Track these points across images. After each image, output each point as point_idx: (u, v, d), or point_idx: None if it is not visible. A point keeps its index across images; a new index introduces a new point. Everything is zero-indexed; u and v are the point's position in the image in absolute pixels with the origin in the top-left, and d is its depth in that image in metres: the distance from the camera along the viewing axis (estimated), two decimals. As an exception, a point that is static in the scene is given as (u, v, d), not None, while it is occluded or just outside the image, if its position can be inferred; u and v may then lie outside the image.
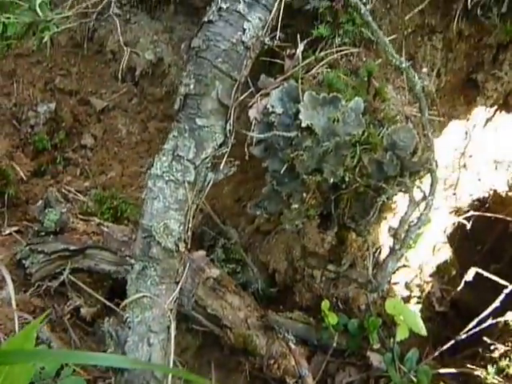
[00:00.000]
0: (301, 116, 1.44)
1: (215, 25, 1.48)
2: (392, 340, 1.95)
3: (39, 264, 1.88)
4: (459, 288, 2.43)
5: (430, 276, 2.59)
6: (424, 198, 1.52)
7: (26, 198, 2.18)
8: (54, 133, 2.34)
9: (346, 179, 1.47)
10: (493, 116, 2.05)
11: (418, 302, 2.46)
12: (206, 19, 1.49)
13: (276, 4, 1.51)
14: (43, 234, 1.92)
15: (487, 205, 2.48)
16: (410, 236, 1.53)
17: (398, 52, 1.56)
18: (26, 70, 2.46)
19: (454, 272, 2.68)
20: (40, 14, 2.06)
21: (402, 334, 1.81)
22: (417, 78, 1.44)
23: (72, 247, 1.91)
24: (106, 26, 2.54)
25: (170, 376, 1.38)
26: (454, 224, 2.54)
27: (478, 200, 2.45)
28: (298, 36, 1.61)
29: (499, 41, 1.71)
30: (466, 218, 2.44)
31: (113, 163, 2.43)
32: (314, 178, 1.48)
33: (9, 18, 2.19)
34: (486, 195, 2.42)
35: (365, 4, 1.47)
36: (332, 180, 1.47)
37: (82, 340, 1.83)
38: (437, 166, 1.57)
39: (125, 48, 2.19)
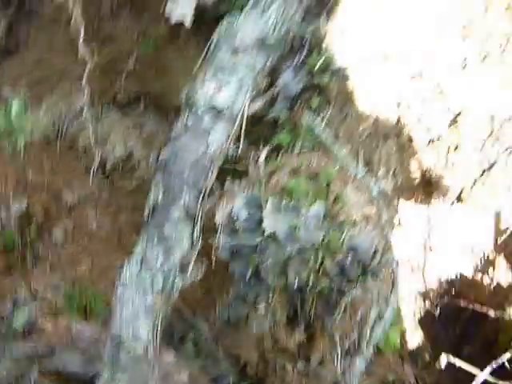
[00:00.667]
0: (264, 224, 1.50)
1: (181, 140, 1.56)
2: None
3: (7, 368, 1.85)
4: (435, 375, 2.44)
5: (404, 362, 2.60)
6: (386, 298, 1.58)
7: (-6, 297, 2.16)
8: (25, 230, 2.35)
9: (310, 282, 1.52)
10: (451, 207, 2.14)
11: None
12: (173, 134, 1.57)
13: (239, 116, 1.60)
14: (11, 335, 1.90)
15: (456, 288, 2.54)
16: (375, 335, 1.57)
17: (354, 156, 1.66)
18: (0, 167, 2.50)
19: (427, 357, 2.69)
20: (14, 121, 2.13)
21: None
22: (373, 184, 1.52)
23: (40, 349, 1.89)
24: (77, 123, 2.63)
25: None
26: (423, 308, 2.58)
27: (447, 283, 2.50)
28: (261, 143, 1.71)
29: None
30: (435, 303, 2.48)
31: (83, 257, 2.44)
32: (279, 281, 1.53)
33: (-16, 122, 2.26)
34: (454, 278, 2.48)
35: (319, 113, 1.58)
36: (296, 283, 1.52)
37: None
38: (397, 265, 1.64)
39: (95, 147, 2.26)
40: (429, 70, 1.71)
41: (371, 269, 1.53)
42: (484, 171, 1.88)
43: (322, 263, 1.52)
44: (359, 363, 1.59)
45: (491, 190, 1.98)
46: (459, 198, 2.02)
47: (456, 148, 1.84)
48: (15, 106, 2.21)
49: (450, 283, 2.48)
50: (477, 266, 2.44)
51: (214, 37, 1.64)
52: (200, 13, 1.82)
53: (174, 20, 1.81)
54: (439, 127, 1.78)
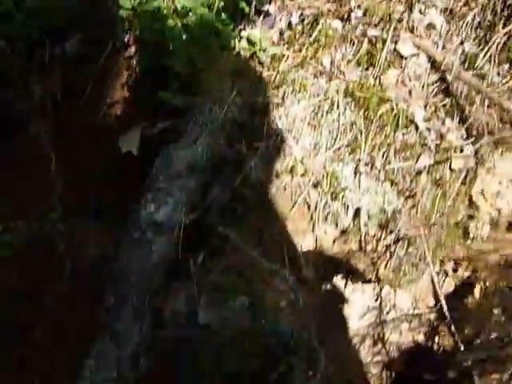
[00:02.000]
0: (199, 316, 1.82)
1: (128, 250, 1.91)
2: None
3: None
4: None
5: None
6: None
7: None
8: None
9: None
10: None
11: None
12: (121, 247, 1.92)
13: (177, 228, 1.96)
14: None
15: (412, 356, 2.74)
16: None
17: (280, 253, 1.99)
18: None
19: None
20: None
21: None
22: (288, 275, 1.85)
23: None
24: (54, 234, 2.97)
25: None
26: (389, 377, 2.76)
27: (406, 351, 2.71)
28: (200, 246, 2.05)
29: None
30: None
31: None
32: (216, 366, 1.82)
33: None
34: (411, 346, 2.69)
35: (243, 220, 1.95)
36: (231, 367, 1.81)
37: None
38: (320, 347, 1.91)
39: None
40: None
41: (293, 349, 1.82)
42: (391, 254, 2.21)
43: (251, 346, 1.81)
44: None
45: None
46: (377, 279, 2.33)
47: (365, 235, 2.17)
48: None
49: (408, 351, 2.69)
50: (426, 333, 2.64)
51: (154, 165, 2.03)
52: (145, 143, 2.21)
53: (124, 150, 2.19)
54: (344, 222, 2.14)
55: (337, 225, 2.14)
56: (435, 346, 2.74)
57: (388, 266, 2.26)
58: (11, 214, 2.63)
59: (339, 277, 2.18)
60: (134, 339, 1.86)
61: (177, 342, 1.89)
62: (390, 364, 2.68)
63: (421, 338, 2.70)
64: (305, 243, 2.13)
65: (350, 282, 2.43)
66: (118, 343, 1.84)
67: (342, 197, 2.09)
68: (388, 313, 2.60)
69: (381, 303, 2.51)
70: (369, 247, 2.22)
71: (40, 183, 2.90)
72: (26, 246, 2.90)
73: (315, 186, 2.09)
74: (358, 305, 2.51)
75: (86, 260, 2.97)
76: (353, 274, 2.19)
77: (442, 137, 2.21)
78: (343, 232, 2.19)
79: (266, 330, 1.82)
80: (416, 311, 2.65)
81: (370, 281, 2.34)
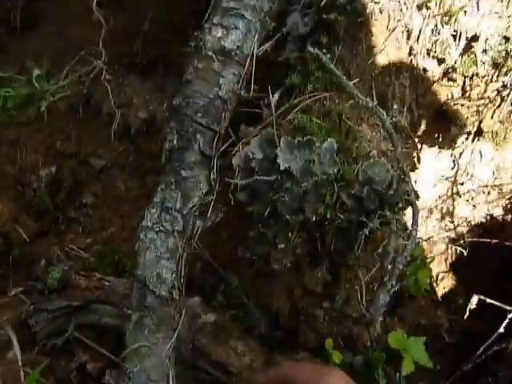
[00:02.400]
0: (279, 160, 1.52)
1: (193, 83, 1.58)
2: (398, 375, 1.95)
3: (43, 322, 1.94)
4: (465, 317, 2.43)
5: (437, 306, 2.60)
6: (407, 228, 1.58)
7: (30, 259, 2.25)
8: (56, 194, 2.43)
9: (328, 216, 1.54)
10: (472, 142, 2.11)
11: (426, 334, 2.46)
12: (184, 79, 1.60)
13: (248, 59, 1.61)
14: (47, 292, 1.98)
15: (485, 230, 2.51)
16: (397, 267, 1.58)
17: (368, 92, 1.65)
18: (28, 138, 2.59)
19: (460, 301, 2.68)
20: (36, 86, 2.20)
21: (407, 368, 1.82)
22: (385, 115, 1.52)
23: (75, 303, 1.97)
24: (100, 90, 2.67)
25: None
26: (455, 252, 2.56)
27: (477, 226, 2.48)
28: (273, 86, 1.71)
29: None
30: (466, 245, 2.47)
31: (113, 219, 2.51)
32: (296, 217, 1.54)
33: (8, 91, 2.33)
34: (484, 221, 2.45)
35: (325, 53, 1.58)
36: (314, 218, 1.53)
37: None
38: (417, 196, 1.63)
39: (117, 111, 2.31)
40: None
41: (388, 200, 1.53)
42: (502, 100, 1.84)
43: (338, 197, 1.52)
44: (382, 297, 1.59)
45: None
46: (479, 132, 1.99)
47: (472, 77, 1.80)
48: (38, 75, 2.27)
49: (480, 226, 2.46)
50: (506, 206, 2.40)
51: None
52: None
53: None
54: (452, 56, 1.75)
55: (441, 61, 1.76)
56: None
57: (495, 115, 1.89)
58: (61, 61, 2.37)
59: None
60: (201, 187, 1.59)
61: (250, 190, 1.60)
62: (458, 239, 2.45)
63: (498, 211, 2.43)
64: (397, 83, 1.77)
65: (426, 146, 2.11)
66: (183, 191, 1.57)
67: (455, 21, 1.68)
68: (463, 184, 2.30)
69: (457, 172, 2.19)
70: (475, 92, 1.84)
71: (86, 31, 2.60)
72: (70, 106, 2.68)
73: (420, 7, 1.68)
74: (431, 174, 2.21)
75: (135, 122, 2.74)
76: (455, 124, 1.84)
77: None
78: (446, 73, 1.81)
79: (359, 178, 1.51)
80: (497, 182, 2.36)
81: (468, 134, 2.00)
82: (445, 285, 2.69)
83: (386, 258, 1.53)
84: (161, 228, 1.55)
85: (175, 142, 1.57)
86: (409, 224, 1.63)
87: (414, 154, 1.86)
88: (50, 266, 2.02)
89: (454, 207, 2.40)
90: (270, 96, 1.68)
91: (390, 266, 1.57)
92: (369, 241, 1.64)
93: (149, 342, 1.54)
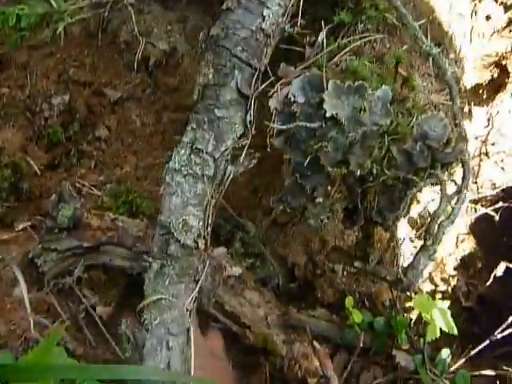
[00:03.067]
0: (325, 105, 1.36)
1: (234, 12, 1.41)
2: (422, 340, 1.87)
3: (52, 262, 1.83)
4: (488, 283, 2.35)
5: (455, 269, 2.51)
6: (457, 191, 1.44)
7: (40, 192, 2.12)
8: (68, 125, 2.28)
9: (374, 171, 1.40)
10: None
11: (443, 298, 2.38)
12: (224, 7, 1.42)
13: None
14: (56, 230, 1.86)
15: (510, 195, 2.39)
16: (442, 231, 1.45)
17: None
18: (40, 62, 2.41)
19: (479, 265, 2.60)
20: (54, 4, 2.00)
21: (432, 334, 1.73)
22: (447, 64, 1.35)
23: (86, 244, 1.86)
24: (119, 16, 2.47)
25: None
26: (476, 215, 2.45)
27: (502, 190, 2.36)
28: (321, 23, 1.53)
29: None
30: (488, 209, 2.35)
31: (127, 155, 2.37)
32: (339, 170, 1.40)
33: (23, 9, 2.13)
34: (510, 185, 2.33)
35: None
36: (359, 172, 1.40)
37: (98, 339, 1.77)
38: (469, 157, 1.49)
39: (140, 38, 2.12)
40: None
41: (442, 159, 1.38)
42: None
43: (387, 151, 1.38)
44: (422, 262, 1.48)
45: None
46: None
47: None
48: (54, -4, 2.07)
49: (506, 190, 2.34)
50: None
51: None
52: None
53: None
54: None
55: (508, 8, 1.57)
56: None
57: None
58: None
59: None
60: (235, 129, 1.44)
61: (287, 137, 1.46)
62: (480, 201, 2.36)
63: None
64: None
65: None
66: (216, 133, 1.43)
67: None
68: (494, 144, 2.16)
69: (490, 131, 2.05)
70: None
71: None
72: (86, 31, 2.49)
73: None
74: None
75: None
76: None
77: None
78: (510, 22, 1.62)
79: (414, 131, 1.36)
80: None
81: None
82: (464, 247, 2.59)
83: (433, 221, 1.39)
84: (189, 171, 1.42)
85: (211, 76, 1.41)
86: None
87: (466, 109, 1.70)
88: (60, 202, 1.89)
89: (479, 167, 2.27)
90: (317, 33, 1.50)
91: (435, 230, 1.45)
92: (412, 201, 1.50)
93: (169, 292, 1.43)
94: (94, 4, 2.33)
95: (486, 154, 2.24)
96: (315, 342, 1.84)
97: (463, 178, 1.46)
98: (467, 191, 1.45)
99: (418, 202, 1.83)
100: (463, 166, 1.45)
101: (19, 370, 0.71)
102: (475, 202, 2.40)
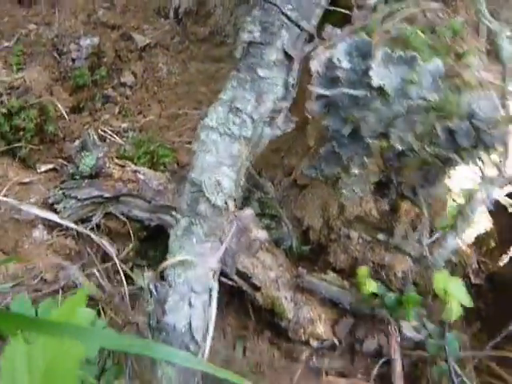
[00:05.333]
0: (372, 74, 1.31)
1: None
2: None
3: (71, 209, 1.81)
4: (503, 263, 2.34)
5: (468, 246, 2.50)
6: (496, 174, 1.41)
7: (63, 135, 2.09)
8: (95, 68, 2.22)
9: (415, 147, 1.36)
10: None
11: (452, 273, 2.38)
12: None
13: None
14: (77, 177, 1.84)
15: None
16: (474, 213, 1.43)
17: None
18: (69, 0, 2.34)
19: (493, 244, 2.59)
20: None
21: (454, 313, 1.71)
22: (506, 41, 1.30)
23: (106, 194, 1.83)
24: (152, -41, 2.40)
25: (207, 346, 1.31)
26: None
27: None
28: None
29: None
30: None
31: (151, 103, 2.32)
32: (379, 142, 1.37)
33: None
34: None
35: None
36: (399, 146, 1.36)
37: (120, 286, 1.77)
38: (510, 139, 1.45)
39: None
40: None
41: (487, 140, 1.34)
42: None
43: (431, 128, 1.34)
44: (449, 241, 1.46)
45: None
46: None
47: None
48: None
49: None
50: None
51: None
52: None
53: None
54: None
55: None
56: None
57: None
58: None
59: None
60: (276, 91, 1.39)
61: (327, 102, 1.41)
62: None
63: None
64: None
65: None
66: (257, 93, 1.38)
67: None
68: None
69: None
70: None
71: None
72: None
73: None
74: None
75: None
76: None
77: None
78: None
79: (461, 110, 1.31)
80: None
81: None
82: (479, 226, 2.57)
83: (470, 203, 1.37)
84: (227, 131, 1.38)
85: (257, 34, 1.35)
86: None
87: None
88: (83, 150, 1.86)
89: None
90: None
91: (466, 209, 1.42)
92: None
93: (195, 251, 1.42)
94: None
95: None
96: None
97: (503, 161, 1.42)
98: (506, 175, 1.42)
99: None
100: (505, 149, 1.41)
101: (42, 324, 0.69)
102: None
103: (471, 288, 2.53)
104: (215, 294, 1.42)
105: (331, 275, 2.07)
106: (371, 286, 1.92)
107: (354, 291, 1.98)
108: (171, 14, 2.45)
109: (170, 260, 1.40)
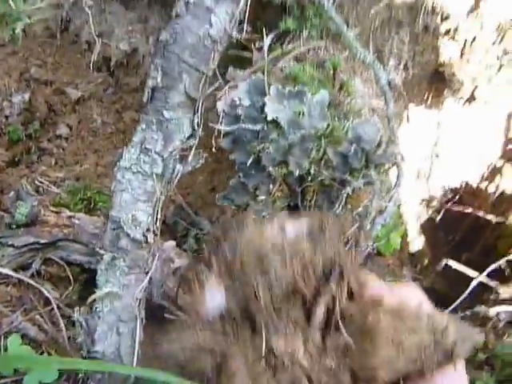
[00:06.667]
0: (266, 109, 1.46)
1: (182, 19, 1.48)
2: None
3: (9, 257, 1.89)
4: (431, 278, 2.48)
5: (403, 265, 2.64)
6: (389, 190, 1.55)
7: (1, 188, 2.17)
8: (29, 123, 2.33)
9: (312, 171, 1.50)
10: (463, 107, 2.08)
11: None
12: (174, 13, 1.50)
13: (243, -3, 1.52)
14: (14, 227, 1.92)
15: (459, 196, 2.52)
16: (375, 228, 1.56)
17: (365, 45, 1.58)
18: (2, 60, 2.46)
19: (426, 261, 2.73)
20: (12, 5, 2.05)
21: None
22: (382, 71, 1.46)
23: (42, 240, 1.92)
24: (81, 16, 2.54)
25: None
26: (426, 214, 2.58)
27: (451, 190, 2.49)
28: (266, 29, 1.63)
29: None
30: (437, 209, 2.48)
31: (88, 153, 2.43)
32: (280, 170, 1.50)
33: (-18, 9, 2.18)
34: (458, 186, 2.46)
35: (328, -1, 1.49)
36: (298, 172, 1.49)
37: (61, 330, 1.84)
38: (403, 158, 1.60)
39: (97, 39, 2.19)
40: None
41: (375, 160, 1.49)
42: (501, 67, 1.79)
43: (324, 153, 1.48)
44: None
45: (507, 89, 1.90)
46: (472, 98, 1.95)
47: (473, 40, 1.74)
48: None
49: (454, 191, 2.47)
50: (483, 174, 2.40)
51: None
52: None
53: None
54: (457, 15, 1.68)
55: (444, 19, 1.68)
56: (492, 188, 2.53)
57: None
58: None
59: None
60: (183, 131, 1.52)
61: (233, 137, 1.55)
62: (431, 201, 2.53)
63: (474, 179, 2.44)
64: (397, 38, 1.70)
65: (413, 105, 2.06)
66: (165, 134, 1.51)
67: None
68: (443, 147, 2.30)
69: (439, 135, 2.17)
70: (474, 56, 1.78)
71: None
72: (47, 31, 2.55)
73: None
74: (414, 133, 2.19)
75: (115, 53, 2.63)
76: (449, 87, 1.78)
77: None
78: (447, 32, 1.73)
79: (348, 135, 1.46)
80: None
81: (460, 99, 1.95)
82: (414, 245, 2.73)
83: (366, 218, 1.50)
84: (139, 169, 1.49)
85: (159, 80, 1.48)
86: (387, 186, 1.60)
87: (404, 114, 1.81)
88: (18, 200, 1.95)
89: (431, 170, 2.40)
90: (264, 39, 1.59)
91: (368, 227, 1.55)
92: (349, 199, 1.61)
93: (120, 283, 1.51)
94: (54, 4, 2.39)
95: (437, 156, 2.36)
96: None
97: (397, 178, 1.57)
98: (398, 191, 1.56)
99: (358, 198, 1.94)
100: (396, 167, 1.56)
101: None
102: (426, 202, 2.53)
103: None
104: (140, 322, 1.50)
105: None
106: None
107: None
108: (103, 68, 2.59)
109: (98, 293, 1.49)
